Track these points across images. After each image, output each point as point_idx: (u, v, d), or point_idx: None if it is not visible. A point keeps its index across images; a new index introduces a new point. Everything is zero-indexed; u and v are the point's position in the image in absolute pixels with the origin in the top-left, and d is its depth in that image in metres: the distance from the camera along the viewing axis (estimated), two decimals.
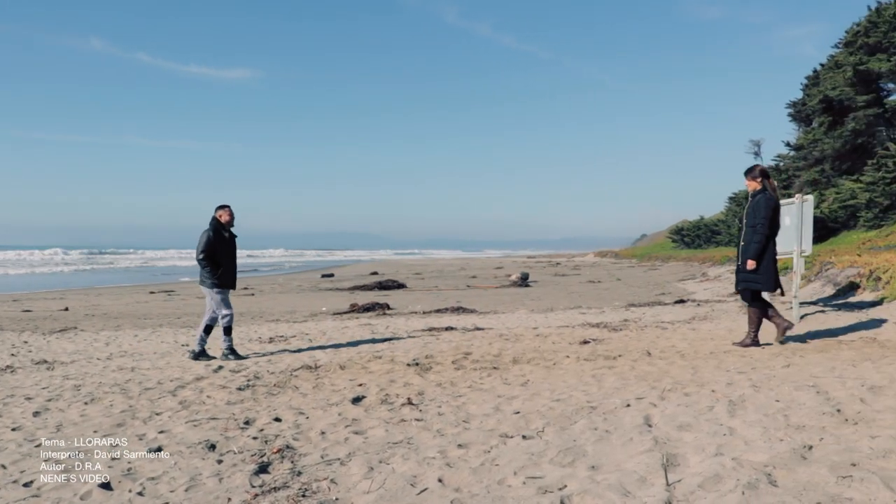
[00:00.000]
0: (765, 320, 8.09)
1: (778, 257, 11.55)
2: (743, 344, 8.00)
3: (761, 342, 8.04)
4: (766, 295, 8.33)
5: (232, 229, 8.75)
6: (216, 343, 9.10)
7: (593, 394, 5.69)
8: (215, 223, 8.58)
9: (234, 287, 8.77)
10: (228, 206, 8.74)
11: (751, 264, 7.76)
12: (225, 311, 8.56)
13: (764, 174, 7.94)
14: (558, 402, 5.43)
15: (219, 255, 8.48)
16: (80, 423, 5.35)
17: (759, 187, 7.93)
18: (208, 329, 8.67)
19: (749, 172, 7.99)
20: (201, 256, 8.41)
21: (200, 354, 8.52)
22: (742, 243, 7.97)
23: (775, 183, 7.98)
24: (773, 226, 7.82)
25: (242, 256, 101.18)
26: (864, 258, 16.07)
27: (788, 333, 8.06)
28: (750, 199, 8.01)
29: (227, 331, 8.56)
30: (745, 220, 8.01)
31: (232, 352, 8.52)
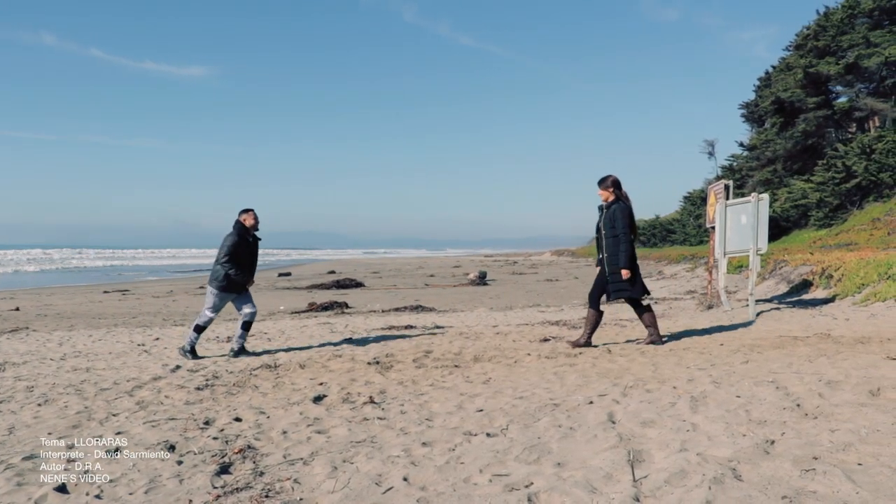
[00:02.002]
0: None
1: (735, 255, 11.73)
2: (577, 344, 8.17)
3: (593, 343, 8.34)
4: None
5: (256, 233, 8.64)
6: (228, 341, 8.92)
7: (556, 391, 5.70)
8: (240, 227, 8.44)
9: (240, 291, 8.58)
10: (252, 210, 8.58)
11: (626, 273, 7.89)
12: (209, 314, 8.42)
13: (616, 184, 8.04)
14: (521, 400, 5.42)
15: (239, 259, 8.35)
16: (33, 426, 5.21)
17: (612, 197, 8.04)
18: (246, 325, 8.55)
19: (601, 183, 8.09)
20: (224, 260, 8.26)
21: (240, 352, 8.47)
22: (606, 254, 8.05)
23: (626, 192, 8.10)
24: (633, 232, 7.97)
25: (212, 256, 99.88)
26: (817, 256, 16.41)
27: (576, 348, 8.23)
28: (605, 209, 8.10)
29: (198, 329, 8.42)
30: (602, 231, 8.09)
31: (192, 350, 8.39)
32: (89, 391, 6.42)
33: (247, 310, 8.57)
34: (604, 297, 8.16)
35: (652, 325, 8.21)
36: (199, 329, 8.44)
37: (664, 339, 8.33)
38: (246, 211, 8.55)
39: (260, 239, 8.72)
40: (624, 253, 7.85)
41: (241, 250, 8.38)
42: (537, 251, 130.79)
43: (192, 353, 8.38)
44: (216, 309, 8.48)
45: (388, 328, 11.20)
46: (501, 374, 6.67)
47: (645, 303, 8.39)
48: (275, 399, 5.90)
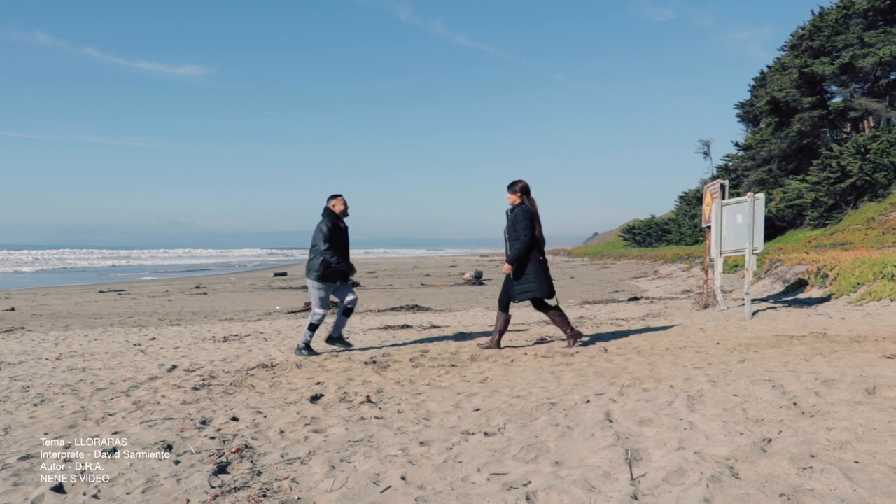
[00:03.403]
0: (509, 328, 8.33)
1: (731, 255, 11.75)
2: (486, 347, 8.24)
3: (502, 345, 8.37)
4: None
5: (346, 219, 8.45)
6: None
7: (553, 390, 5.71)
8: (330, 213, 8.24)
9: (342, 280, 8.39)
10: (342, 196, 8.35)
11: (507, 268, 7.93)
12: (320, 311, 8.25)
13: (524, 190, 8.03)
14: (518, 399, 5.43)
15: (335, 246, 8.14)
16: (29, 426, 5.20)
17: (518, 201, 8.03)
18: (347, 312, 8.41)
19: (511, 187, 8.08)
20: (325, 248, 8.01)
21: (307, 348, 8.29)
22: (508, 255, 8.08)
23: (534, 199, 8.08)
24: (533, 235, 7.94)
25: (215, 255, 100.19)
26: (812, 256, 16.45)
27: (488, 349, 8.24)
28: (510, 213, 8.09)
29: (312, 327, 8.27)
30: (507, 235, 8.09)
31: (307, 347, 8.28)
32: (85, 391, 6.41)
33: (348, 297, 8.39)
34: (559, 298, 8.17)
35: (563, 324, 8.15)
36: (313, 327, 8.27)
37: (585, 339, 8.32)
38: (335, 196, 8.33)
39: (347, 227, 8.49)
40: (516, 250, 7.85)
41: (336, 236, 8.16)
42: None
43: (308, 349, 8.26)
44: (325, 304, 8.26)
45: (385, 328, 11.21)
46: (498, 373, 6.68)
47: (552, 303, 8.34)
48: (272, 399, 5.90)
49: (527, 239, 7.83)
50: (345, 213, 8.36)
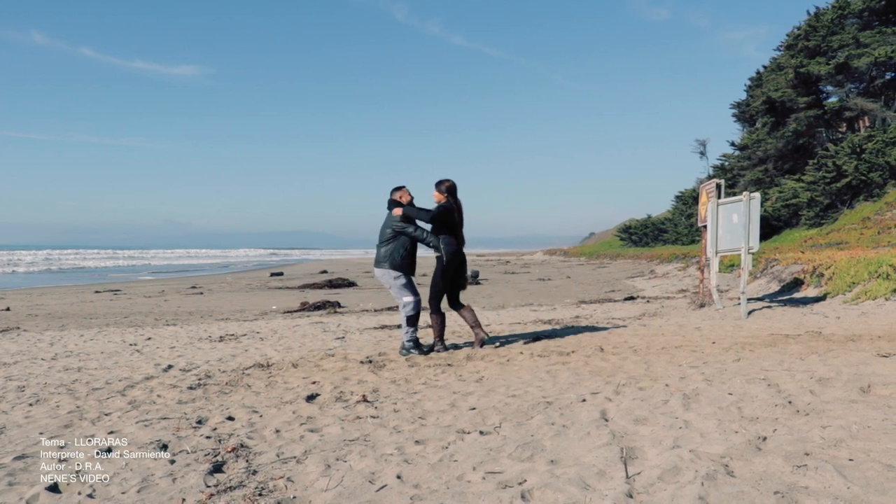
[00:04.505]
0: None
1: (726, 254, 11.77)
2: (434, 350, 8.20)
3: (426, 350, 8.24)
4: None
5: None
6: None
7: (548, 389, 5.71)
8: (396, 206, 8.12)
9: (413, 273, 8.30)
10: (405, 187, 8.26)
11: (397, 210, 7.97)
12: (407, 298, 8.05)
13: (450, 190, 8.09)
14: (514, 398, 5.43)
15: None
16: (24, 425, 5.19)
17: (444, 200, 8.07)
18: (412, 320, 8.09)
19: (437, 185, 8.11)
20: (412, 228, 7.97)
21: (416, 346, 8.05)
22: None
23: (460, 200, 8.19)
24: (445, 222, 8.01)
25: (216, 256, 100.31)
26: (808, 255, 16.48)
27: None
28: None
29: (411, 321, 8.03)
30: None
31: (416, 345, 8.03)
32: (81, 391, 6.40)
33: (406, 298, 8.15)
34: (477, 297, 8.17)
35: (476, 325, 8.26)
36: (413, 320, 8.04)
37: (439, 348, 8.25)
38: (398, 188, 8.23)
39: None
40: (422, 216, 7.93)
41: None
42: (529, 250, 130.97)
43: (418, 346, 8.05)
44: (414, 288, 8.14)
45: (381, 327, 11.21)
46: (494, 372, 6.68)
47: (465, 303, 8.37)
48: (268, 398, 5.89)
49: (437, 214, 7.88)
50: (410, 203, 8.26)
